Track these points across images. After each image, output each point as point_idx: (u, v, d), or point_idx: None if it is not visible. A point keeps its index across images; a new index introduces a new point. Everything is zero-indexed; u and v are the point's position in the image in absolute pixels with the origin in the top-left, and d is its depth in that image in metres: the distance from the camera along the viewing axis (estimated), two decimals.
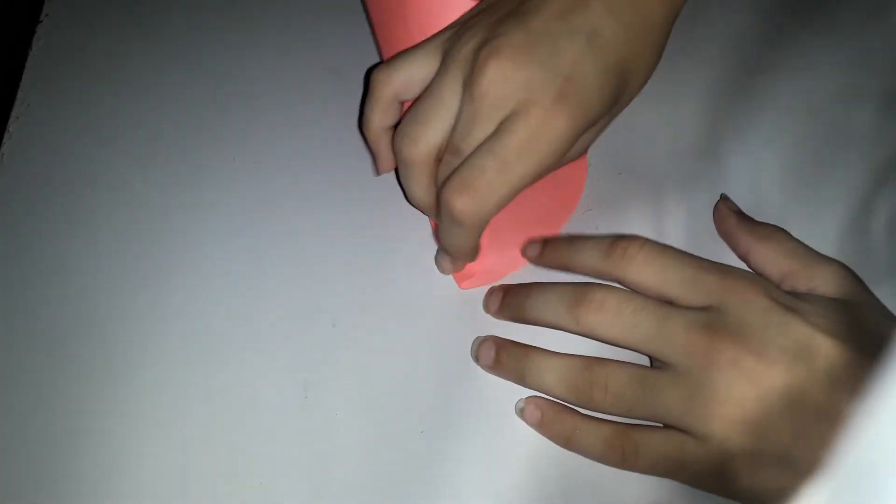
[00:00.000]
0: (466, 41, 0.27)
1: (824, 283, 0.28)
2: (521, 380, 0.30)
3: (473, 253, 0.30)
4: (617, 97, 0.27)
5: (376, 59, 0.36)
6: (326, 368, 0.31)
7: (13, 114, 0.36)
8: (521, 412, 0.29)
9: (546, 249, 0.31)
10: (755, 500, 0.26)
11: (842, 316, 0.26)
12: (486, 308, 0.32)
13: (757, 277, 0.28)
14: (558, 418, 0.29)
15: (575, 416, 0.29)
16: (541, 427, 0.29)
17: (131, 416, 0.30)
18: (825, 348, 0.25)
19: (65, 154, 0.35)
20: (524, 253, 0.32)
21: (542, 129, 0.25)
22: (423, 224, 0.33)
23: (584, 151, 0.29)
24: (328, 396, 0.30)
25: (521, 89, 0.26)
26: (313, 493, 0.29)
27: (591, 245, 0.30)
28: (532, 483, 0.29)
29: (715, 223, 0.32)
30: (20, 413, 0.30)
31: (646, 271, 0.28)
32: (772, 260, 0.29)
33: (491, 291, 0.32)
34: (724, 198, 0.32)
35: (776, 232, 0.30)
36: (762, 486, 0.25)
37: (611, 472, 0.28)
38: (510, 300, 0.31)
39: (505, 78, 0.25)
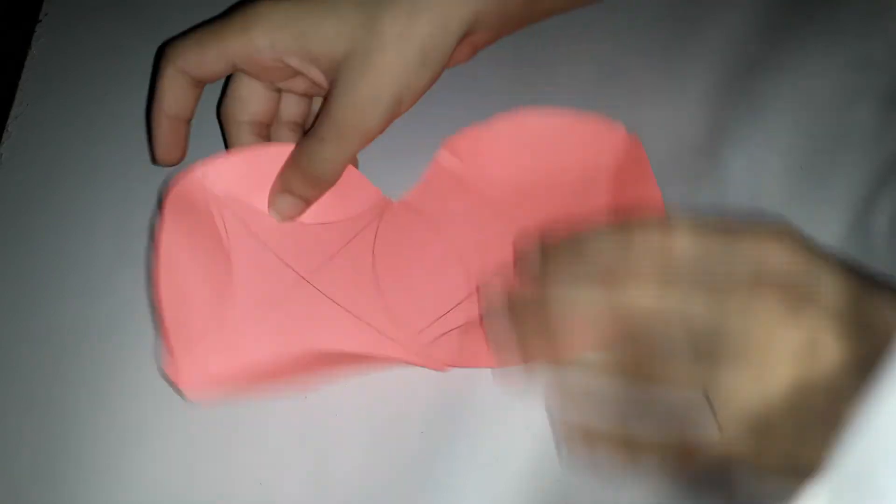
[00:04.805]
0: None
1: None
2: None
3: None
4: None
5: None
6: None
7: (12, 113, 0.36)
8: (567, 450, 0.25)
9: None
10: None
11: None
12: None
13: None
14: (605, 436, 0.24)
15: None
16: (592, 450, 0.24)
17: (130, 416, 0.30)
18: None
19: (64, 153, 0.35)
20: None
21: None
22: None
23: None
24: (328, 396, 0.30)
25: None
26: (313, 493, 0.29)
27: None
28: (532, 484, 0.29)
29: None
30: (19, 413, 0.30)
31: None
32: None
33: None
34: None
35: None
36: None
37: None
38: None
39: None
